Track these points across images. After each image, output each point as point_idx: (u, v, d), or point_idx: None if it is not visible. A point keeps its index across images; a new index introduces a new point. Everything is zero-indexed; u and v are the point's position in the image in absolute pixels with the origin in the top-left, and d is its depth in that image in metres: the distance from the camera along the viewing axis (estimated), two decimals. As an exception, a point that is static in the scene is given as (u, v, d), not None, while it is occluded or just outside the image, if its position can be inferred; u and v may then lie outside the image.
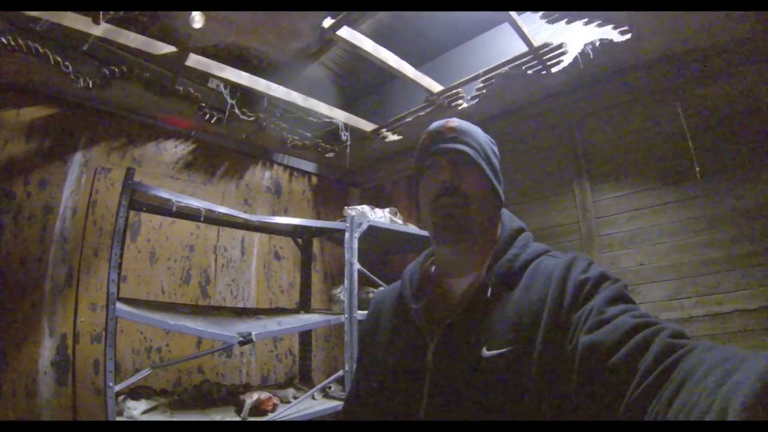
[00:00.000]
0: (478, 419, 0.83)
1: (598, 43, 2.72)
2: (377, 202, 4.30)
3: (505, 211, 1.11)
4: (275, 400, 2.69)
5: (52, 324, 2.80)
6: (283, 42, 2.93)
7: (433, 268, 1.13)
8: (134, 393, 2.57)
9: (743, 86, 2.64)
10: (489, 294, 0.93)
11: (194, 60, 2.89)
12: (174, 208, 2.55)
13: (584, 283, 0.83)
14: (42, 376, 2.70)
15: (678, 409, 0.55)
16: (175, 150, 3.59)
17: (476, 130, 1.08)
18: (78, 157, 3.04)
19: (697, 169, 2.70)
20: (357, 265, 2.93)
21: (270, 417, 2.56)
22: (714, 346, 0.61)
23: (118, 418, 2.27)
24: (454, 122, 1.06)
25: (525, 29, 2.66)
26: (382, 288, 3.02)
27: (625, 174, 3.01)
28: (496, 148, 1.11)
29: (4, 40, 2.53)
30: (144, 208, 2.78)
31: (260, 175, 4.16)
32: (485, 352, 0.87)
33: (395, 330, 1.08)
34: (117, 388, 2.20)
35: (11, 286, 2.69)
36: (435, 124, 1.08)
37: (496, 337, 0.88)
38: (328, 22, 2.66)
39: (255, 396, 2.63)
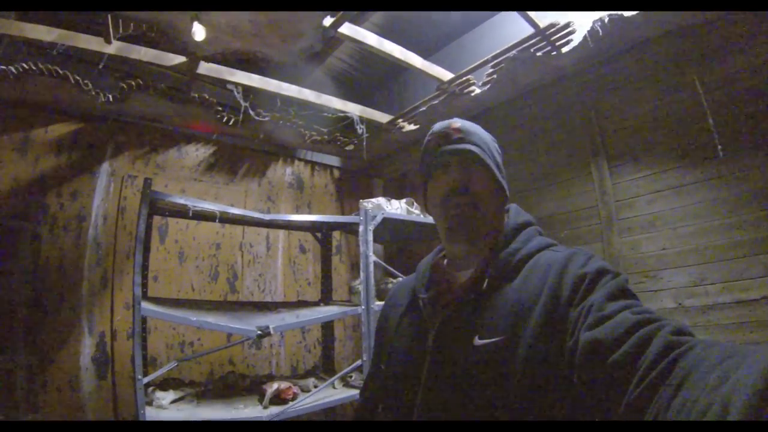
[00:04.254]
0: (470, 405, 0.87)
1: (607, 20, 2.60)
2: (401, 192, 4.31)
3: (513, 206, 1.13)
4: (295, 390, 2.81)
5: (91, 323, 3.05)
6: (287, 44, 2.98)
7: (444, 261, 1.16)
8: (163, 384, 2.77)
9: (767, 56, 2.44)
10: (486, 286, 0.96)
11: (205, 67, 3.01)
12: (191, 213, 2.70)
13: (583, 277, 0.84)
14: (84, 371, 2.96)
15: (679, 407, 0.55)
16: (197, 153, 3.75)
17: (480, 130, 1.09)
18: (105, 168, 3.26)
19: (719, 146, 2.54)
20: (373, 257, 2.98)
21: (290, 405, 2.68)
22: (715, 344, 0.61)
23: (148, 408, 2.46)
24: (458, 123, 1.07)
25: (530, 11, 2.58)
26: (401, 278, 3.08)
27: (644, 154, 2.86)
28: (497, 145, 1.13)
29: (26, 65, 2.73)
30: (167, 213, 2.95)
31: (282, 172, 4.27)
32: (477, 341, 0.90)
33: (405, 317, 1.14)
34: (146, 380, 2.41)
35: (51, 290, 2.95)
36: (439, 126, 1.09)
37: (489, 327, 0.90)
38: (328, 20, 2.68)
39: (275, 386, 2.76)
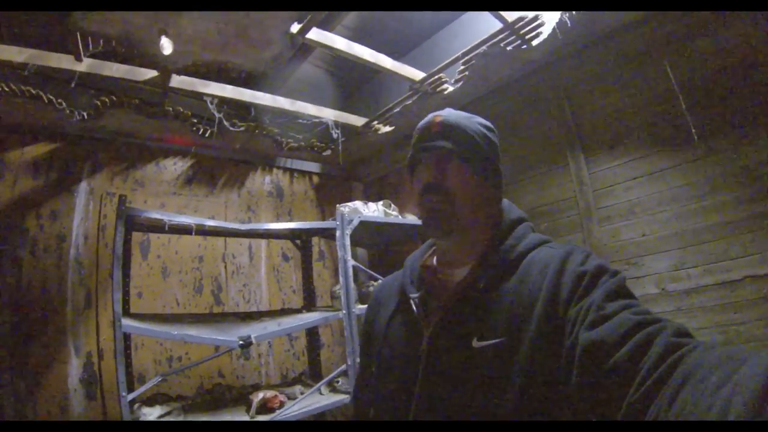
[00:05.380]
0: (468, 408, 0.85)
1: (574, 11, 2.61)
2: (381, 194, 4.31)
3: (505, 201, 1.10)
4: (282, 398, 2.80)
5: (77, 344, 3.02)
6: (256, 52, 2.99)
7: (434, 258, 1.13)
8: (150, 400, 2.75)
9: (735, 37, 2.42)
10: (482, 285, 0.94)
11: (178, 80, 3.02)
12: (166, 227, 2.70)
13: (581, 276, 0.83)
14: (73, 393, 2.94)
15: (679, 408, 0.55)
16: (175, 167, 3.75)
17: (465, 122, 1.04)
18: (83, 186, 3.25)
19: (693, 130, 2.53)
20: (351, 262, 2.98)
21: (277, 413, 2.66)
22: (716, 346, 0.61)
23: (134, 425, 2.45)
24: (442, 116, 1.04)
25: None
26: (381, 279, 3.08)
27: (619, 142, 2.86)
28: (491, 135, 1.08)
29: (-2, 87, 2.74)
30: (146, 229, 2.95)
31: (261, 181, 4.27)
32: (476, 343, 0.88)
33: (395, 317, 1.10)
34: (130, 396, 2.40)
35: (35, 313, 2.92)
36: (423, 121, 1.07)
37: (487, 328, 0.88)
38: (295, 27, 2.70)
39: (261, 395, 2.75)
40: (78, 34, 2.62)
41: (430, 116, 1.06)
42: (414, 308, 1.03)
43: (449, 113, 1.06)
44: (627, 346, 0.67)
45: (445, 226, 0.99)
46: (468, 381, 0.86)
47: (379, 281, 2.14)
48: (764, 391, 0.45)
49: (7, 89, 2.78)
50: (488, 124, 1.09)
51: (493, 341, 0.86)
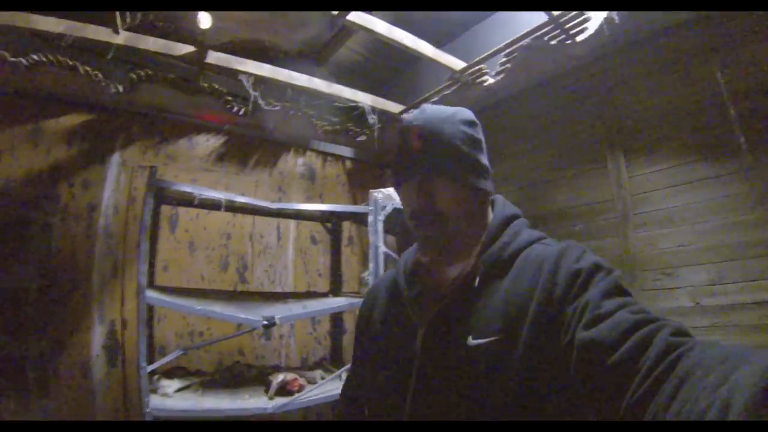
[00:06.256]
0: (464, 407, 0.84)
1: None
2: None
3: (498, 198, 1.08)
4: (301, 381, 2.82)
5: (102, 312, 3.07)
6: (294, 32, 2.95)
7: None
8: (169, 373, 2.80)
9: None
10: (477, 283, 0.93)
11: (214, 57, 2.99)
12: (196, 201, 2.71)
13: (577, 273, 0.82)
14: (95, 359, 2.99)
15: (678, 408, 0.55)
16: (207, 144, 3.74)
17: (445, 126, 0.97)
18: (116, 158, 3.27)
19: (742, 140, 2.42)
20: (382, 248, 2.95)
21: (296, 397, 2.68)
22: (714, 344, 0.61)
23: (153, 396, 2.50)
24: (418, 126, 0.97)
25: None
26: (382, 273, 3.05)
27: (662, 147, 2.74)
28: (474, 131, 1.01)
29: (36, 57, 2.75)
30: (175, 203, 2.97)
31: (293, 162, 4.24)
32: (471, 341, 0.87)
33: (389, 314, 1.10)
34: (150, 368, 2.45)
35: (63, 279, 2.97)
36: (405, 122, 1.01)
37: (482, 327, 0.87)
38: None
39: (281, 377, 2.77)
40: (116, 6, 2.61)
41: (410, 118, 1.01)
42: (407, 306, 1.02)
43: (427, 117, 0.99)
44: (625, 345, 0.66)
45: (440, 249, 0.99)
46: (464, 379, 0.86)
47: (377, 278, 2.10)
48: (764, 391, 0.45)
49: (44, 59, 2.81)
50: (470, 118, 1.03)
51: (489, 339, 0.85)
